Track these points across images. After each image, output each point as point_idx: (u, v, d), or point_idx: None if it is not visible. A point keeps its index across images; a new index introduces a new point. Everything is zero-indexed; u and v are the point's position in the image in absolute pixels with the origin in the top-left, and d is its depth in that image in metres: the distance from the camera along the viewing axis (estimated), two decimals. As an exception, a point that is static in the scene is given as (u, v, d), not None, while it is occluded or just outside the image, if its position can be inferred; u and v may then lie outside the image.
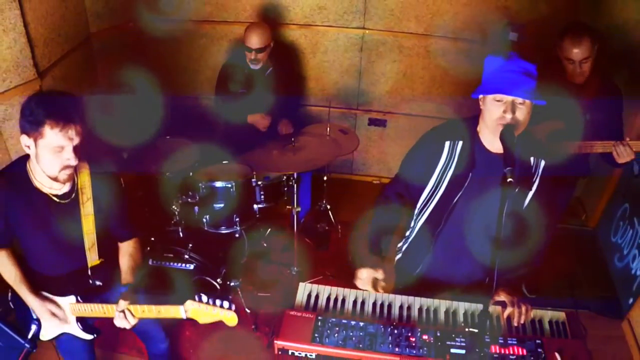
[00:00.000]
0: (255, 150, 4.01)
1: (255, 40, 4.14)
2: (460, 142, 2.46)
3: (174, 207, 3.92)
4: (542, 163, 2.45)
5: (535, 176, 2.45)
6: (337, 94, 5.21)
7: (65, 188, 2.51)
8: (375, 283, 2.47)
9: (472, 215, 2.51)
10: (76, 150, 2.32)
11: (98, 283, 2.71)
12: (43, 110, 2.23)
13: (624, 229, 4.25)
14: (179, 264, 3.79)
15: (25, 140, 2.30)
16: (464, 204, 2.50)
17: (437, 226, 2.59)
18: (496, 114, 2.30)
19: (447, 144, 2.47)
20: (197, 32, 5.12)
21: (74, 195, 2.54)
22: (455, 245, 2.61)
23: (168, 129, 4.46)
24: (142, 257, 2.79)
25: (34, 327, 2.67)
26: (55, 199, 2.50)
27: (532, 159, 2.44)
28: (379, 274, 2.46)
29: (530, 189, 2.45)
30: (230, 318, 2.39)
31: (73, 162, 2.33)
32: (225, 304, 2.37)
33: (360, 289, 2.51)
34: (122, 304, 2.50)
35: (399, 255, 2.94)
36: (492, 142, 2.42)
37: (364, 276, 2.47)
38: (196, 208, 3.93)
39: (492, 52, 2.35)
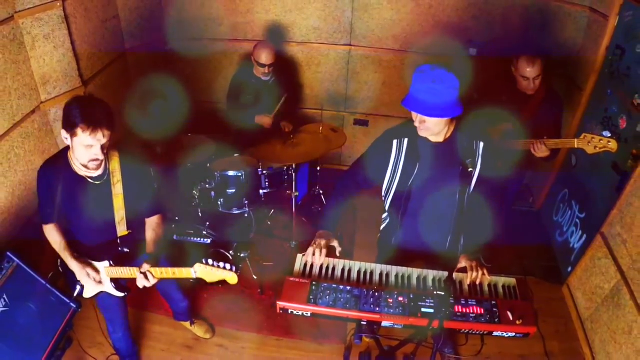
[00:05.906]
0: (261, 145, 3.98)
1: (268, 57, 4.09)
2: (406, 139, 2.46)
3: (194, 192, 3.92)
4: (482, 144, 2.41)
5: (477, 156, 2.41)
6: (328, 99, 5.17)
7: (99, 171, 2.48)
8: (330, 250, 2.50)
9: (427, 198, 2.50)
10: (103, 148, 2.32)
11: (126, 250, 2.69)
12: (78, 114, 2.22)
13: (564, 210, 4.24)
14: (198, 239, 3.78)
15: (64, 134, 2.31)
16: (418, 189, 2.49)
17: (400, 209, 2.58)
18: (415, 120, 2.33)
19: (395, 142, 2.47)
20: (212, 48, 5.06)
21: (106, 177, 2.52)
22: (418, 223, 2.60)
23: (190, 128, 4.42)
24: (163, 231, 2.76)
25: (78, 288, 2.70)
26: (90, 180, 2.49)
27: (473, 142, 2.41)
28: (335, 244, 2.50)
29: (475, 169, 2.41)
30: (231, 277, 2.39)
31: (100, 157, 2.34)
32: (227, 265, 2.36)
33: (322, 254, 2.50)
34: (145, 266, 2.51)
35: (379, 235, 2.93)
36: (433, 135, 2.40)
37: (323, 242, 2.48)
38: (212, 193, 3.93)
39: (422, 64, 2.33)
